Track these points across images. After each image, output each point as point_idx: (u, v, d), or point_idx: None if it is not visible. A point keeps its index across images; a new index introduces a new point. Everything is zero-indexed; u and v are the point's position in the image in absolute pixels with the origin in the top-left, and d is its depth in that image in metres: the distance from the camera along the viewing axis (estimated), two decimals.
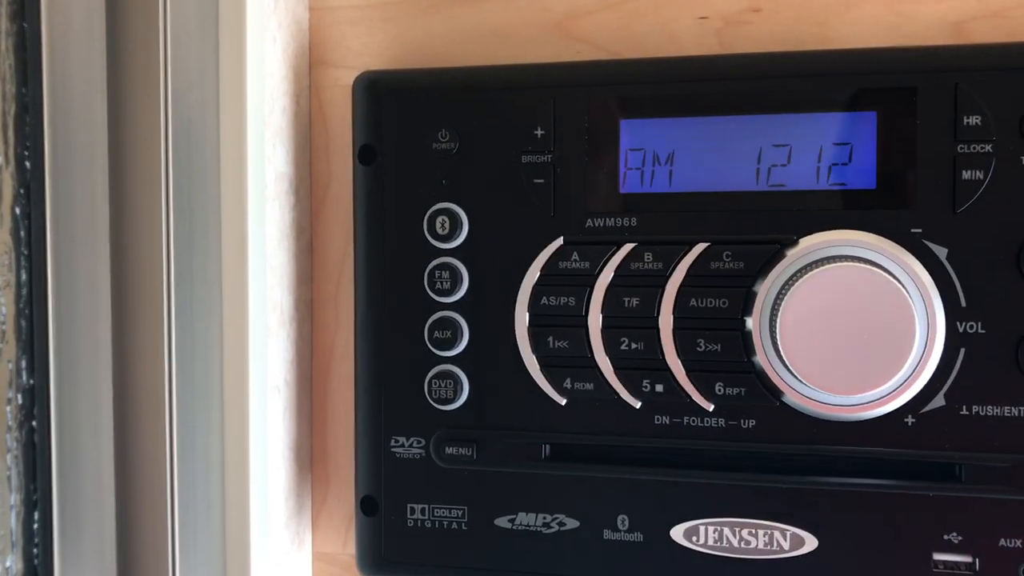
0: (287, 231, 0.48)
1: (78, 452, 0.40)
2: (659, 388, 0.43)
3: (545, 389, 0.44)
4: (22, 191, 0.37)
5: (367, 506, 0.46)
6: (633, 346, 0.43)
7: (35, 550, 0.38)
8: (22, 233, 0.37)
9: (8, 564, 0.37)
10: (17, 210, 0.37)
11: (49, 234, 0.37)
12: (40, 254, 0.37)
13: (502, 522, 0.45)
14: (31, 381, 0.38)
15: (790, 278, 0.41)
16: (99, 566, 0.40)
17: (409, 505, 0.46)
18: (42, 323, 0.37)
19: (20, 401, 0.37)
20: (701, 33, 0.46)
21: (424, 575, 0.47)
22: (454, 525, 0.45)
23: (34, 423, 0.38)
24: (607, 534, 0.44)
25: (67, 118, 0.38)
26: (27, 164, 0.37)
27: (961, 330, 0.40)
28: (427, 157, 0.45)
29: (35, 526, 0.38)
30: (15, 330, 0.37)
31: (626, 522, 0.44)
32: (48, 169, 0.37)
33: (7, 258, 0.36)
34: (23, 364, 0.37)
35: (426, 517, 0.46)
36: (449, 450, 0.45)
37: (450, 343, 0.45)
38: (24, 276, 0.37)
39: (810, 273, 0.40)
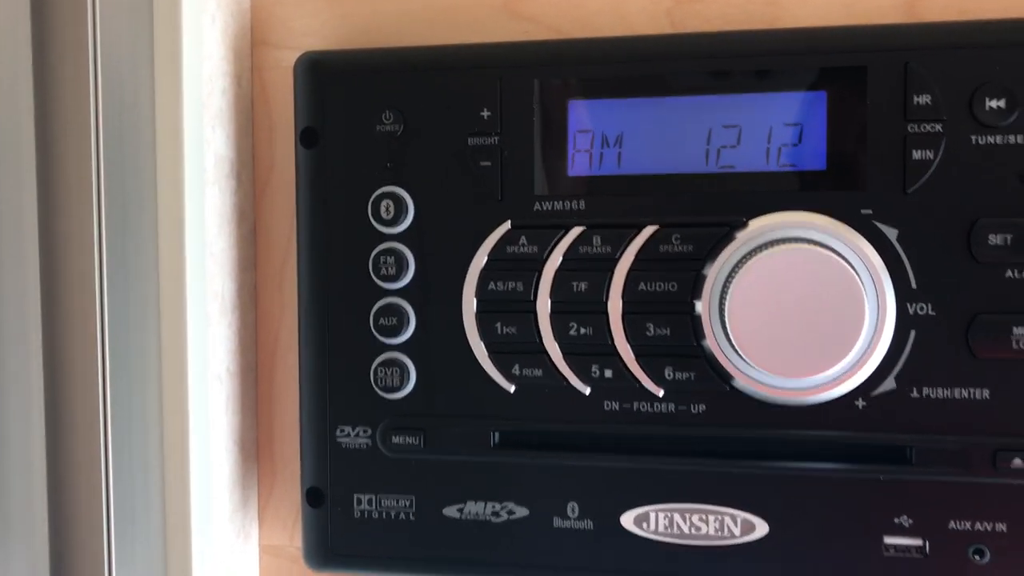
0: (228, 216, 0.47)
1: (7, 445, 0.38)
2: (608, 373, 0.42)
3: (493, 376, 0.43)
4: None
5: (313, 497, 0.46)
6: (582, 331, 0.42)
7: None
8: None
9: None
10: None
11: None
12: None
13: (451, 511, 0.44)
14: None
15: (739, 261, 0.40)
16: (29, 551, 0.39)
17: (356, 496, 0.45)
18: None
19: None
20: (652, 13, 0.45)
21: (372, 567, 0.46)
22: (402, 515, 0.45)
23: None
24: (557, 522, 0.43)
25: None
26: None
27: (911, 312, 0.40)
28: (371, 140, 0.44)
29: None
30: None
31: (576, 509, 0.43)
32: None
33: None
34: None
35: (373, 508, 0.45)
36: (396, 439, 0.44)
37: (396, 330, 0.44)
38: None
39: (759, 255, 0.39)
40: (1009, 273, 0.39)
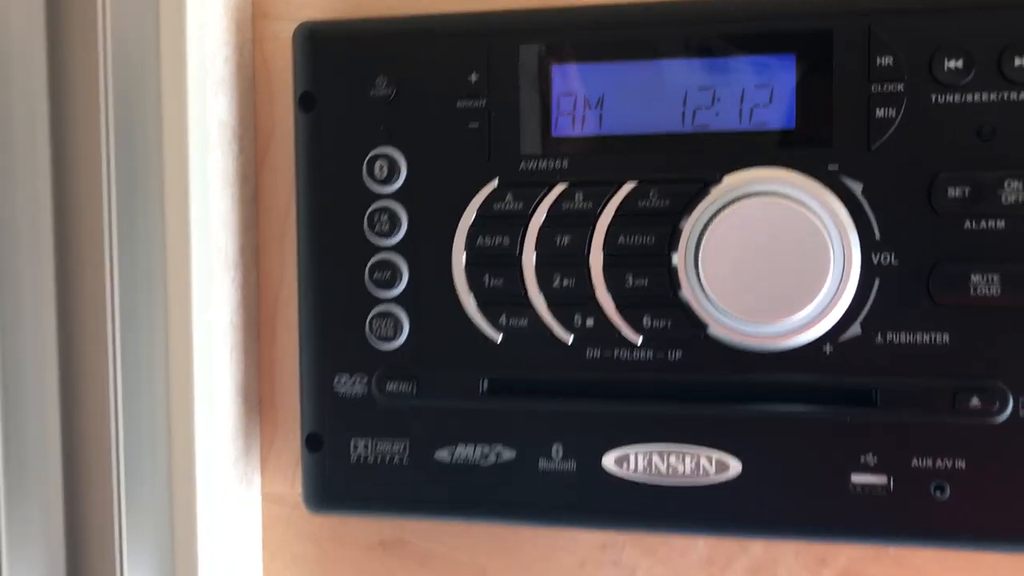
0: (231, 179, 0.49)
1: (22, 392, 0.41)
2: (590, 323, 0.44)
3: (481, 326, 0.46)
4: None
5: (312, 443, 0.48)
6: (565, 283, 0.45)
7: None
8: None
9: None
10: None
11: None
12: None
13: (442, 455, 0.47)
14: None
15: (713, 215, 0.42)
16: (43, 495, 0.42)
17: (352, 441, 0.47)
18: None
19: None
20: None
21: (367, 509, 0.48)
22: (395, 459, 0.47)
23: None
24: (542, 463, 0.46)
25: (6, 64, 0.39)
26: None
27: (876, 262, 0.42)
28: (366, 103, 0.46)
29: None
30: None
31: (560, 451, 0.45)
32: None
33: None
34: None
35: (369, 452, 0.47)
36: (390, 387, 0.47)
37: (390, 284, 0.46)
38: None
39: (730, 208, 0.42)
40: (967, 224, 0.41)
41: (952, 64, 0.41)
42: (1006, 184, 0.41)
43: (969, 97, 0.41)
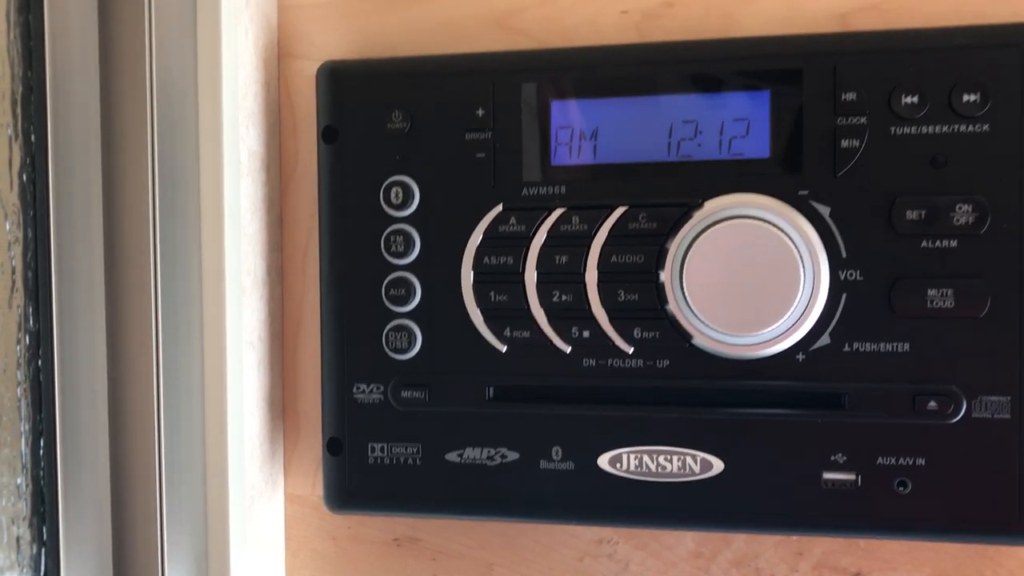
0: (260, 204, 0.54)
1: (76, 393, 0.45)
2: (586, 334, 0.49)
3: (488, 338, 0.50)
4: (28, 161, 0.42)
5: (333, 446, 0.52)
6: (563, 298, 0.49)
7: (41, 472, 0.44)
8: (28, 197, 0.43)
9: (19, 482, 0.43)
10: (24, 177, 0.42)
11: (52, 200, 0.43)
12: (43, 216, 0.43)
13: (452, 457, 0.51)
14: (36, 325, 0.43)
15: (696, 236, 0.47)
16: (95, 497, 0.46)
17: (370, 444, 0.52)
18: (46, 276, 0.43)
19: (27, 342, 0.42)
20: (622, 25, 0.52)
21: (384, 507, 0.52)
22: (409, 461, 0.51)
23: (39, 362, 0.43)
24: (543, 464, 0.50)
25: (66, 99, 0.43)
26: (32, 138, 0.43)
27: (842, 278, 0.46)
28: (383, 136, 0.51)
29: (41, 452, 0.43)
30: (23, 281, 0.42)
31: (559, 452, 0.50)
32: (50, 143, 0.42)
33: (16, 218, 0.42)
34: (30, 310, 0.43)
35: (385, 455, 0.52)
36: (405, 394, 0.51)
37: (404, 300, 0.51)
38: (30, 234, 0.42)
39: (711, 230, 0.46)
40: (924, 243, 0.46)
41: (909, 100, 0.45)
42: (957, 208, 0.45)
43: (924, 129, 0.45)
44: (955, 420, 0.46)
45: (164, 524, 0.48)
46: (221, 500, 0.51)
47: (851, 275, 0.46)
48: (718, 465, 0.48)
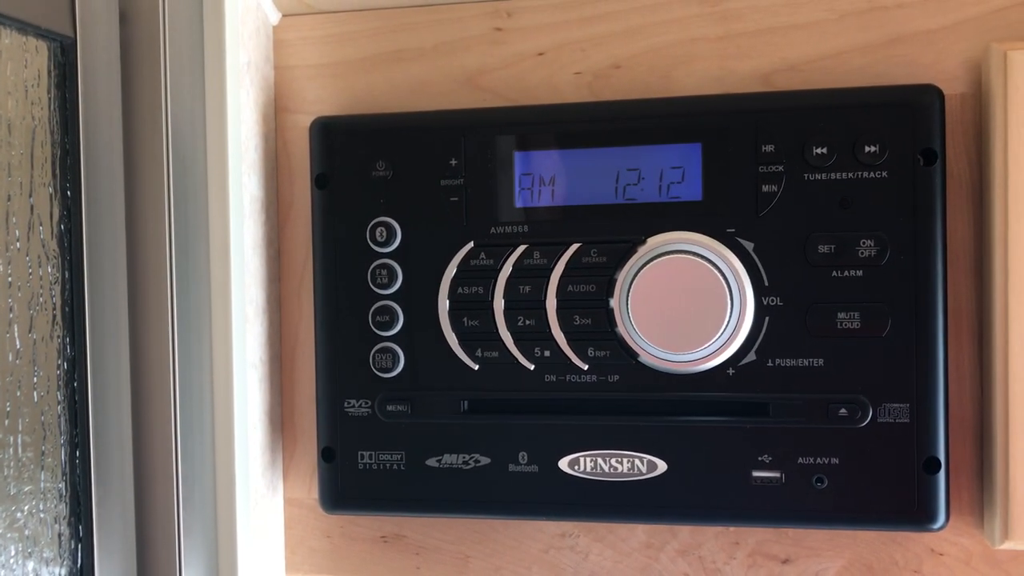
0: (260, 241, 0.61)
1: (105, 411, 0.51)
2: (547, 354, 0.56)
3: (462, 358, 0.57)
4: (65, 213, 0.49)
5: (327, 455, 0.59)
6: (527, 323, 0.56)
7: (77, 478, 0.50)
8: (66, 244, 0.49)
9: (60, 487, 0.49)
10: (62, 227, 0.49)
11: (85, 245, 0.49)
12: (78, 260, 0.49)
13: (431, 462, 0.58)
14: (72, 352, 0.50)
15: (640, 268, 0.54)
16: (122, 499, 0.52)
17: (359, 452, 0.58)
18: (80, 310, 0.49)
19: (65, 368, 0.49)
20: (577, 84, 0.59)
21: (372, 508, 0.59)
22: (394, 467, 0.58)
23: (75, 384, 0.50)
24: (511, 467, 0.57)
25: (96, 160, 0.50)
26: (68, 193, 0.49)
27: (765, 303, 0.53)
28: (369, 182, 0.58)
29: (77, 460, 0.50)
30: (62, 316, 0.49)
31: (525, 457, 0.56)
32: (84, 198, 0.49)
33: (57, 261, 0.48)
34: (67, 340, 0.49)
35: (372, 461, 0.58)
36: (390, 408, 0.58)
37: (389, 325, 0.58)
38: (67, 275, 0.49)
39: (652, 263, 0.53)
40: (834, 273, 0.53)
41: (819, 151, 0.53)
42: (862, 243, 0.52)
43: (833, 176, 0.53)
44: (863, 425, 0.53)
45: (181, 522, 0.54)
46: (229, 502, 0.57)
47: (772, 301, 0.53)
48: (662, 466, 0.55)
